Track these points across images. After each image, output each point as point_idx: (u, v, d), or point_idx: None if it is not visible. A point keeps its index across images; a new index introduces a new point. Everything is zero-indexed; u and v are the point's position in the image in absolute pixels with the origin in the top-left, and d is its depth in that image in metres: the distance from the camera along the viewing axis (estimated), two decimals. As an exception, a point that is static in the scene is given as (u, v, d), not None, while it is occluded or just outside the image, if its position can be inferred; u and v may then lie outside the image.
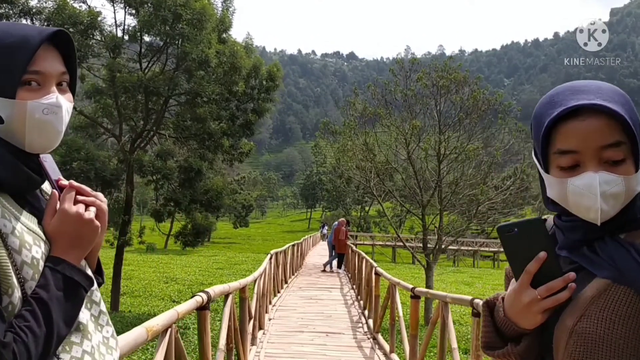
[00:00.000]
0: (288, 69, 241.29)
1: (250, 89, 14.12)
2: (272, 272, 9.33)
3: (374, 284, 7.22)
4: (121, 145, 13.07)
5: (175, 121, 12.09)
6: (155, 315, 3.58)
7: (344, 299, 9.86)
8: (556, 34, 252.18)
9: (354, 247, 12.82)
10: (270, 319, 7.52)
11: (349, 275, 13.57)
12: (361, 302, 9.11)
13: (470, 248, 36.02)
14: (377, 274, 6.96)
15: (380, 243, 37.65)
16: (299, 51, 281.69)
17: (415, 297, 4.90)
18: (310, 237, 26.65)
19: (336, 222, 16.08)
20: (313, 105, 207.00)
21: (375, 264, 7.21)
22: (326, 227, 38.06)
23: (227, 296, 4.05)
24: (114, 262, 14.75)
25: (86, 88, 12.03)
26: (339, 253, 15.19)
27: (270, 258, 8.57)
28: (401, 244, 37.37)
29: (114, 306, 14.10)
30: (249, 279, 5.19)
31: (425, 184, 15.87)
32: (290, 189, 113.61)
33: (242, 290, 4.91)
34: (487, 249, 36.80)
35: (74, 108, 7.99)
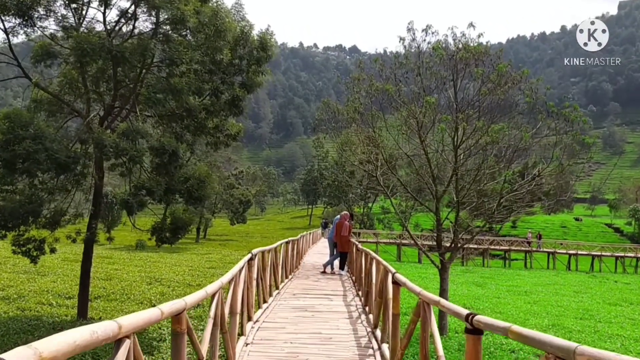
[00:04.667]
0: (289, 63, 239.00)
1: (238, 59, 12.06)
2: (257, 276, 7.27)
3: (391, 297, 5.15)
4: (86, 122, 10.99)
5: (145, 93, 10.02)
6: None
7: (348, 310, 7.79)
8: (563, 28, 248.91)
9: (360, 245, 10.67)
10: (247, 344, 5.46)
11: (353, 278, 11.49)
12: (370, 316, 7.04)
13: (479, 246, 33.91)
14: (397, 284, 4.89)
15: (385, 241, 35.65)
16: (301, 44, 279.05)
17: (474, 331, 2.83)
18: (310, 233, 24.56)
19: (338, 216, 13.94)
20: (315, 99, 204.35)
21: (393, 270, 5.13)
22: (329, 226, 35.59)
23: (118, 343, 1.98)
24: (81, 262, 12.74)
25: (35, 50, 9.90)
26: (341, 252, 13.08)
27: (251, 259, 6.49)
28: (407, 241, 35.34)
29: (81, 313, 12.09)
30: (192, 298, 3.11)
31: (440, 173, 13.82)
32: (291, 184, 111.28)
33: (176, 320, 2.84)
34: (497, 247, 34.63)
35: (29, 79, 5.47)
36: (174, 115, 11.70)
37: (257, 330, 6.12)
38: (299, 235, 15.66)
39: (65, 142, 10.47)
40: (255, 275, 7.00)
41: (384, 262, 5.71)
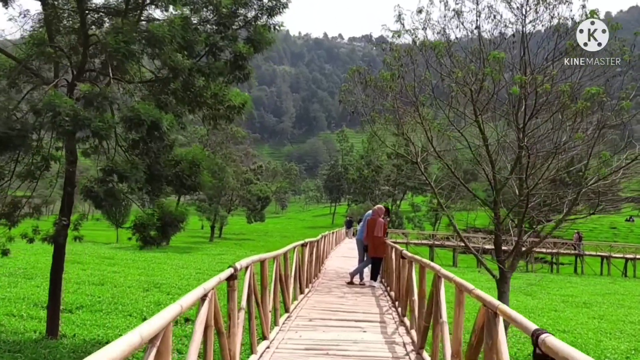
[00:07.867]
0: (313, 54, 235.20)
1: (242, 7, 9.31)
2: (249, 303, 4.48)
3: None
4: (50, 87, 8.42)
5: (113, 42, 7.39)
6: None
7: (393, 355, 4.92)
8: (608, 14, 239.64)
9: (405, 251, 7.62)
10: None
11: (392, 293, 8.57)
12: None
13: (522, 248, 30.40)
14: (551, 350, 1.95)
15: (415, 241, 32.52)
16: (325, 35, 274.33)
17: None
18: (333, 233, 21.67)
19: (370, 211, 10.99)
20: (339, 92, 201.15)
21: (529, 323, 2.22)
22: (354, 225, 32.17)
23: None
24: (51, 266, 10.15)
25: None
26: (373, 257, 10.17)
27: (231, 278, 3.67)
28: (439, 242, 32.13)
29: (50, 330, 9.47)
30: None
31: (499, 158, 10.86)
32: (314, 181, 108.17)
33: None
34: (543, 250, 30.95)
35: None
36: (159, 80, 9.05)
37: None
38: (320, 235, 12.77)
39: (10, 111, 7.97)
40: (244, 303, 4.20)
41: (482, 293, 2.77)
